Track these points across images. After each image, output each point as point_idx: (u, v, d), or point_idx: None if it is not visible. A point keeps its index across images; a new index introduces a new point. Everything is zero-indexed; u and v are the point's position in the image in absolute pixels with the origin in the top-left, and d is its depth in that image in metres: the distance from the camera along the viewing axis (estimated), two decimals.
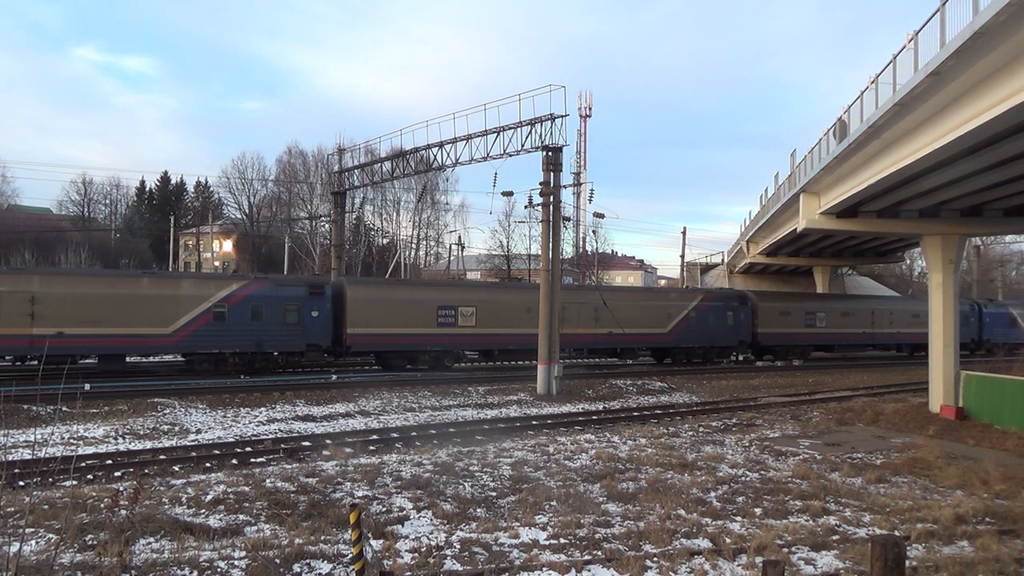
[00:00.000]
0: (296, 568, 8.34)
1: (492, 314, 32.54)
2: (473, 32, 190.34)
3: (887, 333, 46.56)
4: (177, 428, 18.84)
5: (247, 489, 11.76)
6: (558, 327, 28.15)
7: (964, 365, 24.46)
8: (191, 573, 8.08)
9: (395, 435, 18.14)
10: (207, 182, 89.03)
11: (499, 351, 34.20)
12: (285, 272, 58.48)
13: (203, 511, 10.58)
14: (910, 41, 16.09)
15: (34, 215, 74.95)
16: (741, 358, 42.63)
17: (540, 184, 27.55)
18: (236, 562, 8.41)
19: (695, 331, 38.59)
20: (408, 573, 8.36)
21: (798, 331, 42.43)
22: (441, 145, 31.92)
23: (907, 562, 6.60)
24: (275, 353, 28.90)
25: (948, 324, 23.82)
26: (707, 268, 63.35)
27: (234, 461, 15.03)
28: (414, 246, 76.33)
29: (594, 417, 22.11)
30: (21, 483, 11.36)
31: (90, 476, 13.39)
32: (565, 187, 30.52)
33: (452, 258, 70.08)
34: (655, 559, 8.92)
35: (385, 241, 79.31)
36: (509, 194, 36.74)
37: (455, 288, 34.69)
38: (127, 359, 28.08)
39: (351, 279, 35.44)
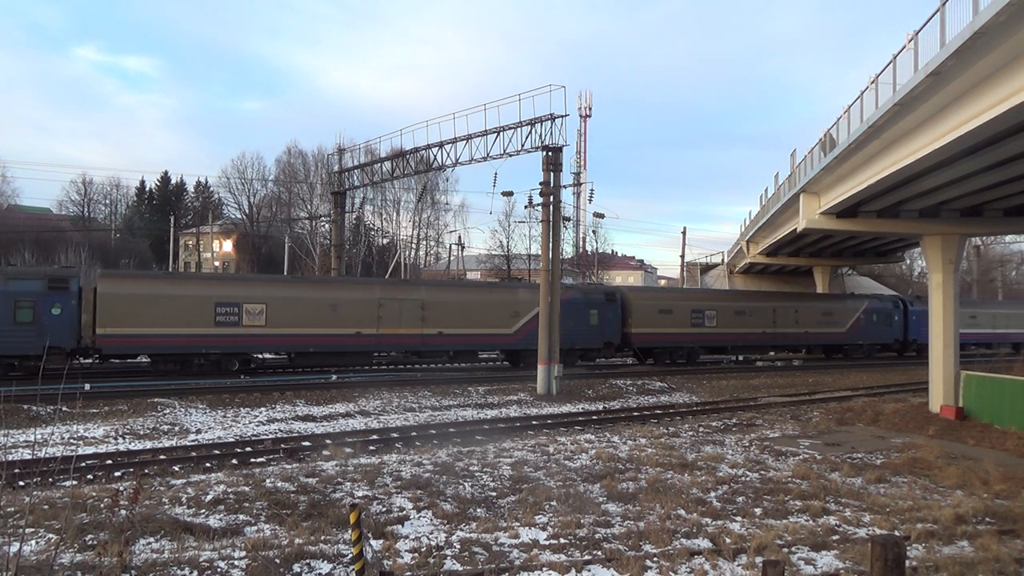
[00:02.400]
0: (296, 568, 8.34)
1: (288, 313, 28.53)
2: (473, 32, 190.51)
3: (792, 333, 42.58)
4: (177, 428, 18.84)
5: (247, 489, 11.76)
6: (557, 327, 28.13)
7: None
8: (191, 573, 8.08)
9: (395, 435, 18.14)
10: (207, 182, 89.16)
11: (297, 354, 29.90)
12: (285, 272, 58.49)
13: (203, 511, 10.59)
14: (910, 41, 16.09)
15: (34, 215, 74.92)
16: (620, 360, 39.08)
17: (540, 184, 27.56)
18: (236, 562, 8.41)
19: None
20: (408, 573, 8.36)
21: (682, 331, 37.87)
22: (441, 145, 31.94)
23: (907, 562, 6.60)
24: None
25: (948, 324, 23.82)
26: (707, 268, 63.37)
27: (234, 461, 15.03)
28: (414, 246, 76.37)
29: (594, 417, 22.11)
30: (21, 483, 11.37)
31: (90, 476, 13.38)
32: (565, 187, 30.59)
33: (452, 258, 70.08)
34: (655, 559, 8.92)
35: (385, 241, 79.37)
36: (509, 194, 36.83)
37: (240, 283, 30.65)
38: None
39: (105, 272, 31.19)
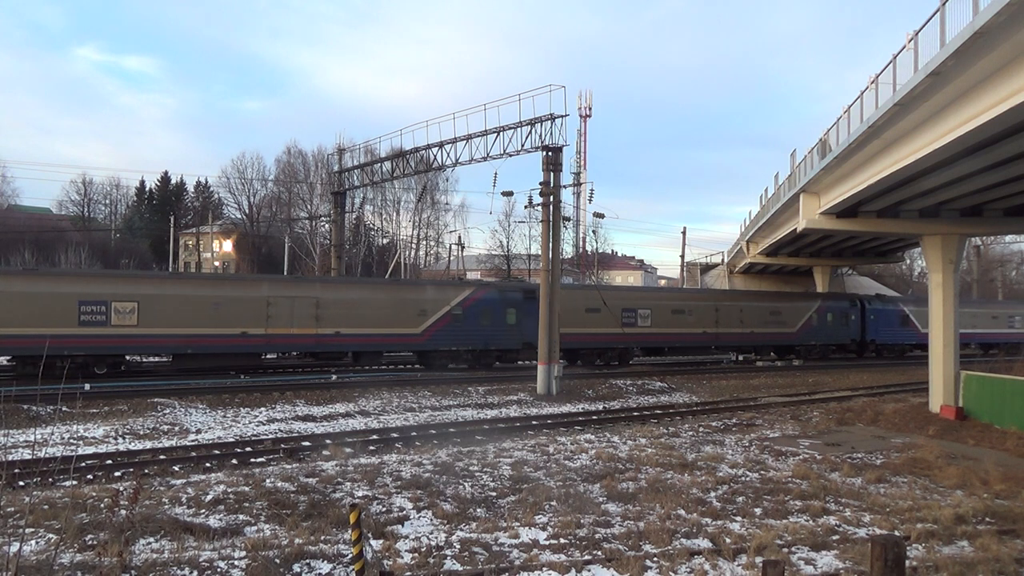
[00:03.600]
0: (296, 568, 8.34)
1: (164, 311, 26.61)
2: (474, 31, 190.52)
3: (737, 333, 40.67)
4: (177, 428, 18.83)
5: (247, 489, 11.76)
6: (557, 327, 28.13)
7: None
8: (191, 573, 8.08)
9: (395, 435, 18.14)
10: (207, 182, 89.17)
11: (176, 356, 28.02)
12: (285, 272, 58.47)
13: (203, 511, 10.59)
14: (910, 41, 16.09)
15: (34, 215, 74.98)
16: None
17: (540, 184, 27.57)
18: (236, 562, 8.41)
19: (461, 332, 32.25)
20: (408, 573, 8.37)
21: (611, 331, 35.20)
22: (441, 145, 31.95)
23: (907, 562, 6.60)
24: None
25: (948, 324, 23.81)
26: (707, 268, 63.38)
27: (234, 461, 15.03)
28: (414, 246, 76.39)
29: (594, 417, 22.11)
30: (21, 483, 11.36)
31: (90, 476, 13.38)
32: (565, 187, 30.55)
33: (452, 258, 70.09)
34: (655, 559, 8.92)
35: (385, 241, 79.39)
36: (509, 194, 36.84)
37: (107, 279, 28.35)
38: None
39: None
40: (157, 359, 30.83)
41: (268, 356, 31.06)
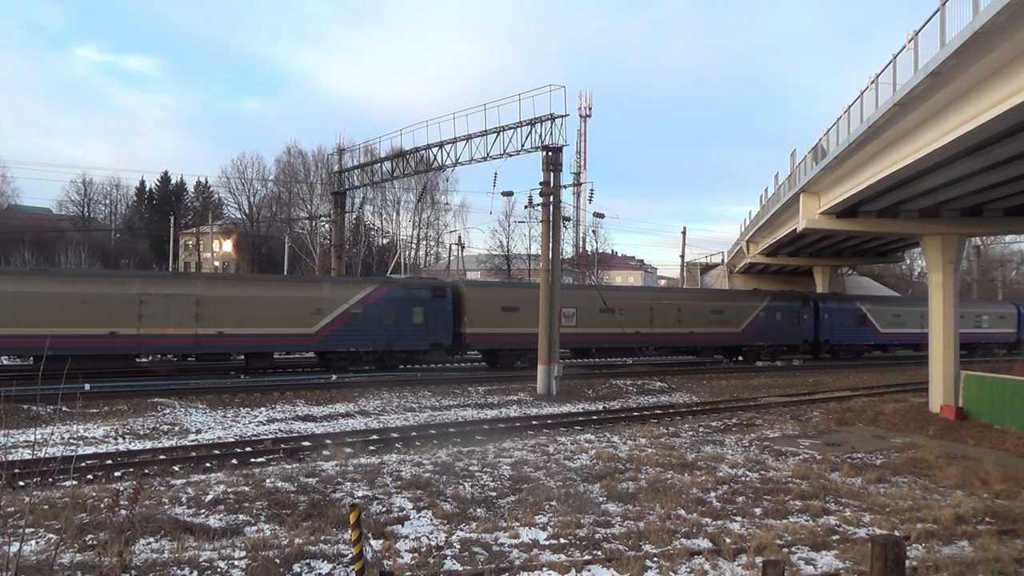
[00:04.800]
0: (296, 568, 8.34)
1: (17, 309, 24.59)
2: (474, 31, 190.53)
3: (674, 334, 38.07)
4: (177, 428, 18.83)
5: (247, 489, 11.76)
6: (558, 327, 28.13)
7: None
8: (191, 573, 8.08)
9: (395, 435, 18.13)
10: (207, 182, 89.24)
11: (36, 357, 26.03)
12: (285, 271, 58.51)
13: (203, 511, 10.59)
14: (910, 41, 16.09)
15: (34, 215, 75.00)
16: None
17: (540, 184, 27.56)
18: (236, 562, 8.41)
19: (361, 332, 30.25)
20: (408, 573, 8.37)
21: (531, 331, 31.06)
22: (441, 145, 31.94)
23: (907, 562, 6.60)
24: None
25: (948, 324, 23.81)
26: (707, 268, 63.43)
27: (234, 461, 15.02)
28: (414, 246, 76.44)
29: (594, 417, 22.11)
30: (21, 483, 11.36)
31: (90, 476, 13.37)
32: (565, 187, 30.54)
33: (452, 258, 70.11)
34: (655, 559, 8.92)
35: (385, 241, 79.42)
36: (509, 194, 36.71)
37: None
38: None
39: None
40: (20, 361, 28.91)
41: (142, 359, 29.06)
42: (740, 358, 41.67)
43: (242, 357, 29.91)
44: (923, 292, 37.98)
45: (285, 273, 57.18)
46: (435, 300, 31.92)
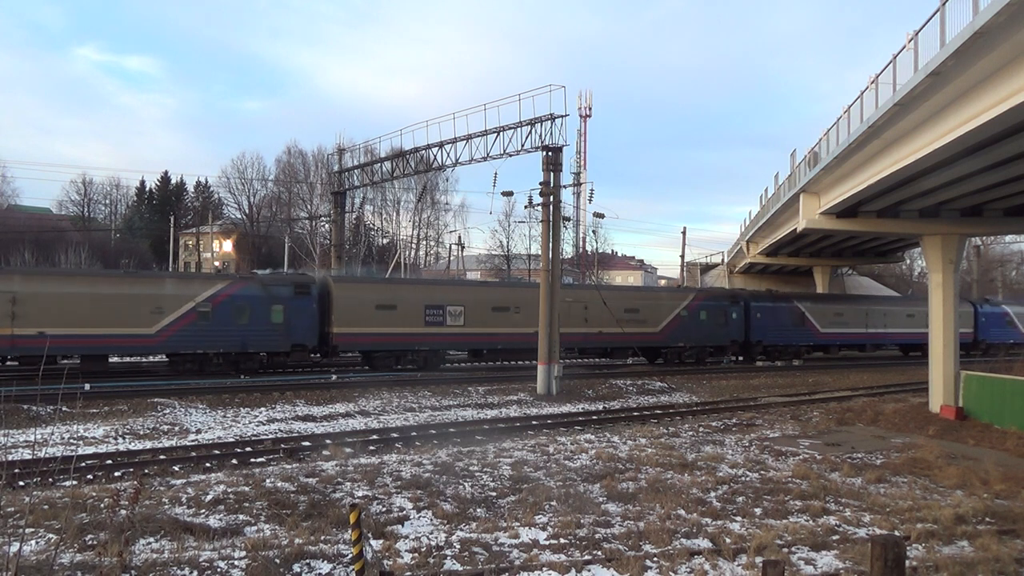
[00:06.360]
0: (296, 568, 8.34)
1: None
2: (474, 31, 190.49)
3: (579, 334, 34.71)
4: (177, 428, 18.84)
5: (247, 489, 11.76)
6: (557, 327, 28.12)
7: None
8: (191, 573, 8.08)
9: (395, 435, 18.14)
10: (207, 182, 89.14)
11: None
12: (285, 271, 58.48)
13: (203, 511, 10.59)
14: (910, 41, 16.10)
15: (34, 215, 74.95)
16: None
17: (540, 184, 27.57)
18: (236, 562, 8.41)
19: (209, 333, 27.83)
20: (408, 573, 8.37)
21: (411, 331, 30.24)
22: (441, 145, 31.96)
23: (907, 562, 6.60)
24: None
25: (948, 324, 23.82)
26: (707, 268, 63.49)
27: (234, 461, 15.03)
28: (414, 246, 76.43)
29: (594, 417, 22.11)
30: (21, 483, 11.36)
31: (90, 476, 13.38)
32: (565, 187, 30.55)
33: (452, 258, 70.11)
34: (655, 559, 8.92)
35: (385, 241, 79.43)
36: (509, 194, 36.70)
37: None
38: None
39: None
40: None
41: None
42: (660, 360, 39.07)
43: (79, 360, 26.35)
44: (923, 292, 37.98)
45: (285, 272, 57.13)
46: (297, 297, 29.62)
